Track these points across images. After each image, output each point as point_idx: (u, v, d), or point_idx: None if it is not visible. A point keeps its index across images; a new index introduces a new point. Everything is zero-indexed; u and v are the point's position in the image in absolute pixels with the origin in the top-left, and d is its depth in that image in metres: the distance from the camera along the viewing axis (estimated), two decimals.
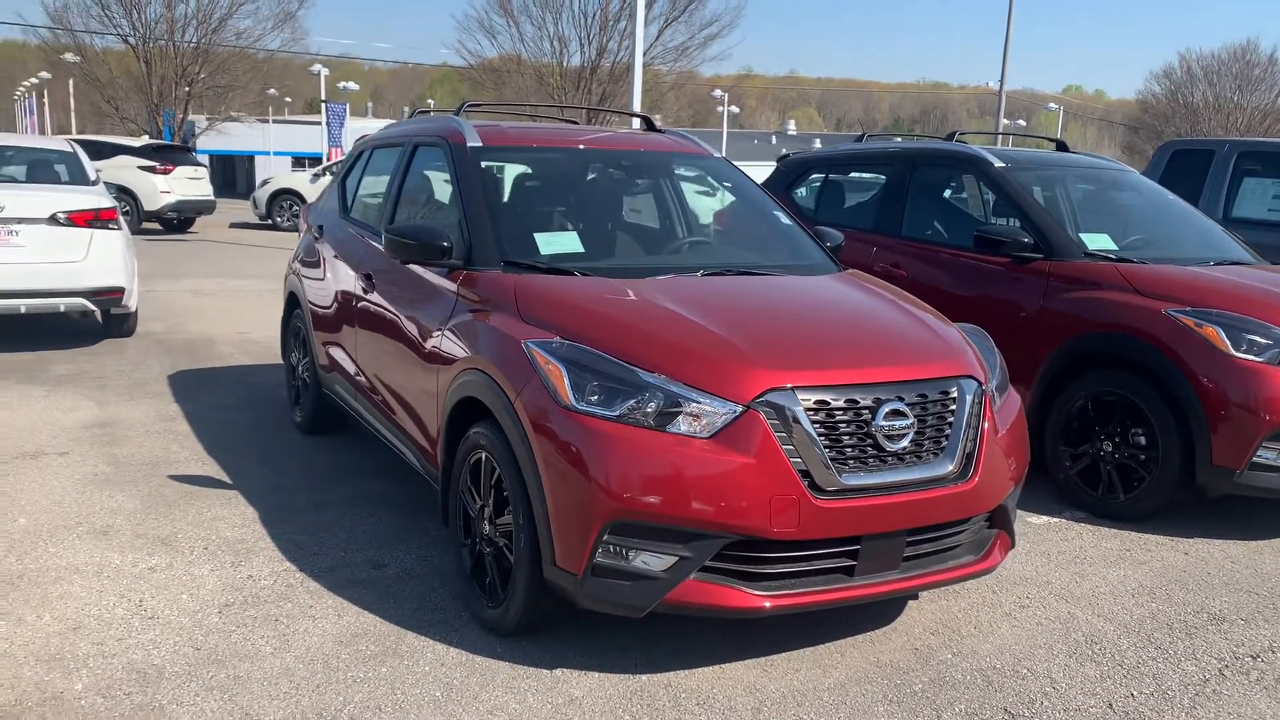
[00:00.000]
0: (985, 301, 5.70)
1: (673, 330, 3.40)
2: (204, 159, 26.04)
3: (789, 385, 3.15)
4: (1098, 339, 5.16)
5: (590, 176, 4.78)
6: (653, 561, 3.10)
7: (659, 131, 5.30)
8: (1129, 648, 3.66)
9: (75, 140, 21.48)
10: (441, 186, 4.69)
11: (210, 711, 3.02)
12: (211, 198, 21.83)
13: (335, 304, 5.27)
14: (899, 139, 8.76)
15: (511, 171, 4.69)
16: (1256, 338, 4.73)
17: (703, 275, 4.03)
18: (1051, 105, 67.30)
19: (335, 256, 5.36)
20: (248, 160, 48.39)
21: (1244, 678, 3.48)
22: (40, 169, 9.10)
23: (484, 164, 4.37)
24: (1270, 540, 4.84)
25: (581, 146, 4.84)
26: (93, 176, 8.73)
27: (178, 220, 21.10)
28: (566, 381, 3.21)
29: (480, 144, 4.42)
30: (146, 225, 20.30)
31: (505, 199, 4.45)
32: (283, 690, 3.15)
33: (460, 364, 3.72)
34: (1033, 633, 3.76)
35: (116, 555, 4.13)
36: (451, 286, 3.98)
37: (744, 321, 3.54)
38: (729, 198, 5.11)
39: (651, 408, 3.12)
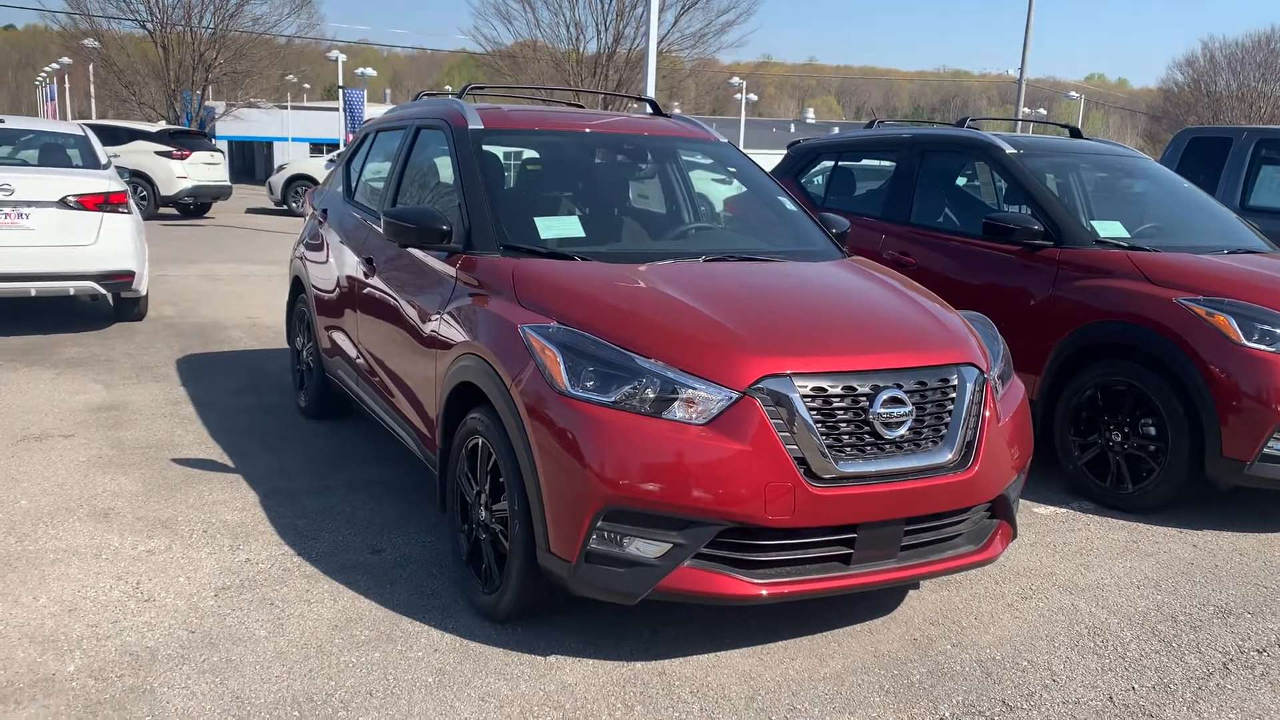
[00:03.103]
0: (994, 289, 5.64)
1: (670, 316, 3.36)
2: (221, 145, 26.14)
3: (786, 372, 3.11)
4: (1107, 328, 5.08)
5: (593, 160, 4.74)
6: (646, 548, 3.07)
7: (665, 115, 5.25)
8: (1132, 640, 3.61)
9: (92, 125, 21.60)
10: (443, 169, 4.66)
11: (201, 694, 3.01)
12: (227, 183, 21.89)
13: (338, 288, 5.25)
14: (910, 125, 8.66)
15: (513, 155, 4.65)
16: (1269, 328, 4.65)
17: (704, 261, 3.99)
18: (1073, 94, 66.56)
19: (339, 241, 5.34)
20: (266, 146, 48.56)
21: (1249, 672, 3.43)
22: (52, 153, 9.12)
23: (485, 147, 4.33)
24: None
25: (585, 130, 4.79)
26: (104, 160, 8.74)
27: (194, 205, 21.17)
28: (562, 367, 3.17)
29: (481, 126, 4.39)
30: (163, 210, 20.39)
31: (505, 182, 4.41)
32: (275, 674, 3.14)
33: (457, 349, 3.70)
34: (1034, 624, 3.71)
35: (116, 538, 4.13)
36: (450, 270, 3.95)
37: (742, 307, 3.49)
38: (740, 186, 5.06)
39: (647, 394, 3.09)
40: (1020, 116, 31.44)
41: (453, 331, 3.78)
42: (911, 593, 3.89)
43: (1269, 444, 4.59)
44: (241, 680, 3.09)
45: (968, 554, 3.44)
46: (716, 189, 5.71)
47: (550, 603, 3.44)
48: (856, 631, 3.58)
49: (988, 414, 3.40)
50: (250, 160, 51.68)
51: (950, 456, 3.28)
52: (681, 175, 4.96)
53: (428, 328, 4.01)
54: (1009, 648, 3.53)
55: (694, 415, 3.07)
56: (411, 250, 4.26)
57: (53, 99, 56.81)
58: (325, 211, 5.72)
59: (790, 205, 4.73)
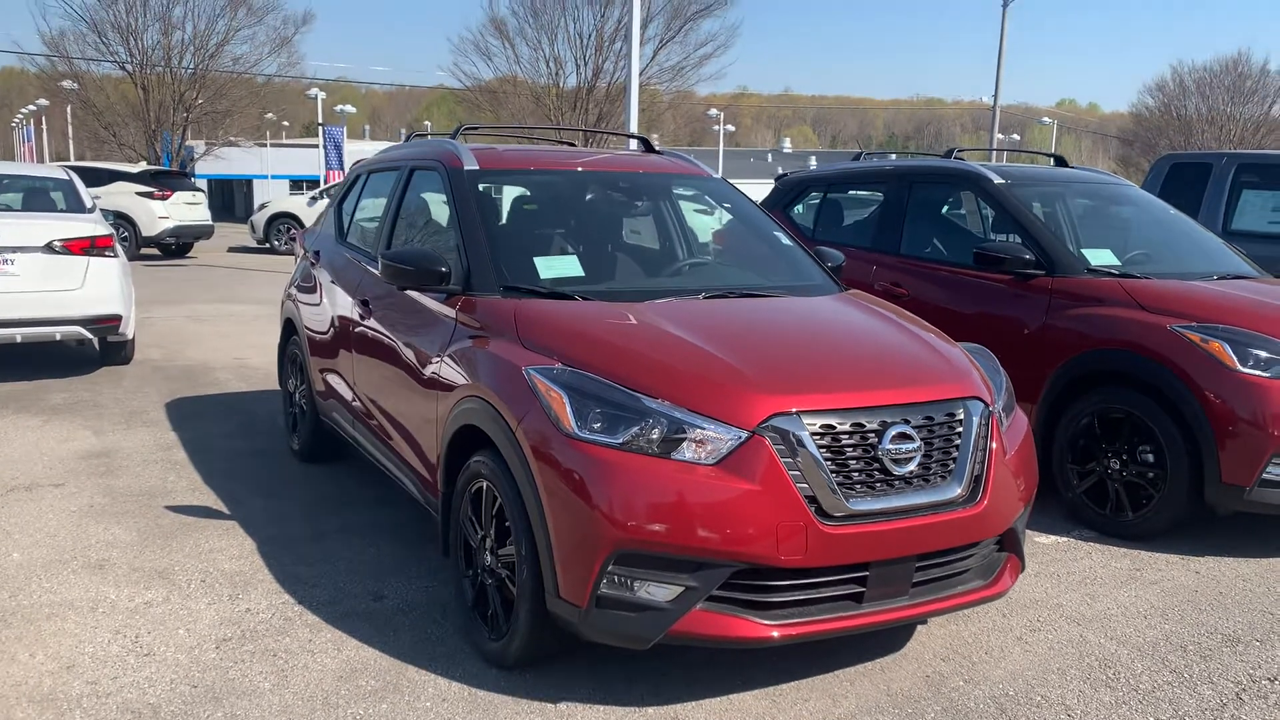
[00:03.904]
0: (987, 319, 5.66)
1: (676, 355, 3.35)
2: (202, 184, 26.06)
3: (794, 410, 3.10)
4: (1103, 356, 5.11)
5: (588, 199, 4.74)
6: (658, 592, 3.04)
7: (657, 153, 5.27)
8: (1144, 672, 3.60)
9: (73, 167, 21.51)
10: (438, 210, 4.64)
11: None
12: (209, 222, 21.84)
13: (332, 330, 5.22)
14: (894, 156, 8.72)
15: (509, 195, 4.65)
16: (1263, 353, 4.68)
17: (704, 298, 3.98)
18: (1045, 119, 67.34)
19: (332, 282, 5.31)
20: (245, 184, 48.50)
21: (1262, 701, 3.41)
22: (37, 197, 9.08)
23: (481, 187, 4.33)
24: None
25: (579, 169, 4.80)
26: (89, 204, 8.70)
27: (176, 245, 21.10)
28: (569, 408, 3.15)
29: (477, 167, 4.38)
30: (145, 251, 20.29)
31: (503, 222, 4.40)
32: None
33: (460, 391, 3.67)
34: (1045, 657, 3.69)
35: (112, 589, 4.06)
36: (450, 312, 3.93)
37: (747, 345, 3.49)
38: (726, 216, 5.07)
39: (655, 434, 3.07)
40: (995, 145, 31.77)
41: (454, 374, 3.75)
42: (921, 628, 3.87)
43: (1267, 469, 4.60)
44: None
45: (978, 589, 3.42)
46: (700, 220, 5.71)
47: (559, 648, 3.39)
48: (869, 670, 3.55)
49: (994, 447, 3.40)
50: (230, 198, 51.59)
51: (959, 491, 3.26)
52: (676, 212, 4.96)
53: (427, 370, 3.98)
54: (1022, 682, 3.50)
55: (703, 455, 3.05)
56: (409, 292, 4.24)
57: (29, 140, 56.61)
58: (317, 253, 5.69)
59: (785, 240, 4.74)
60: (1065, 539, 4.96)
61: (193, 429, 6.64)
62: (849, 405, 3.17)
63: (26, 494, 5.22)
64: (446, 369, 3.81)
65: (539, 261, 4.05)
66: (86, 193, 8.90)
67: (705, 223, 5.76)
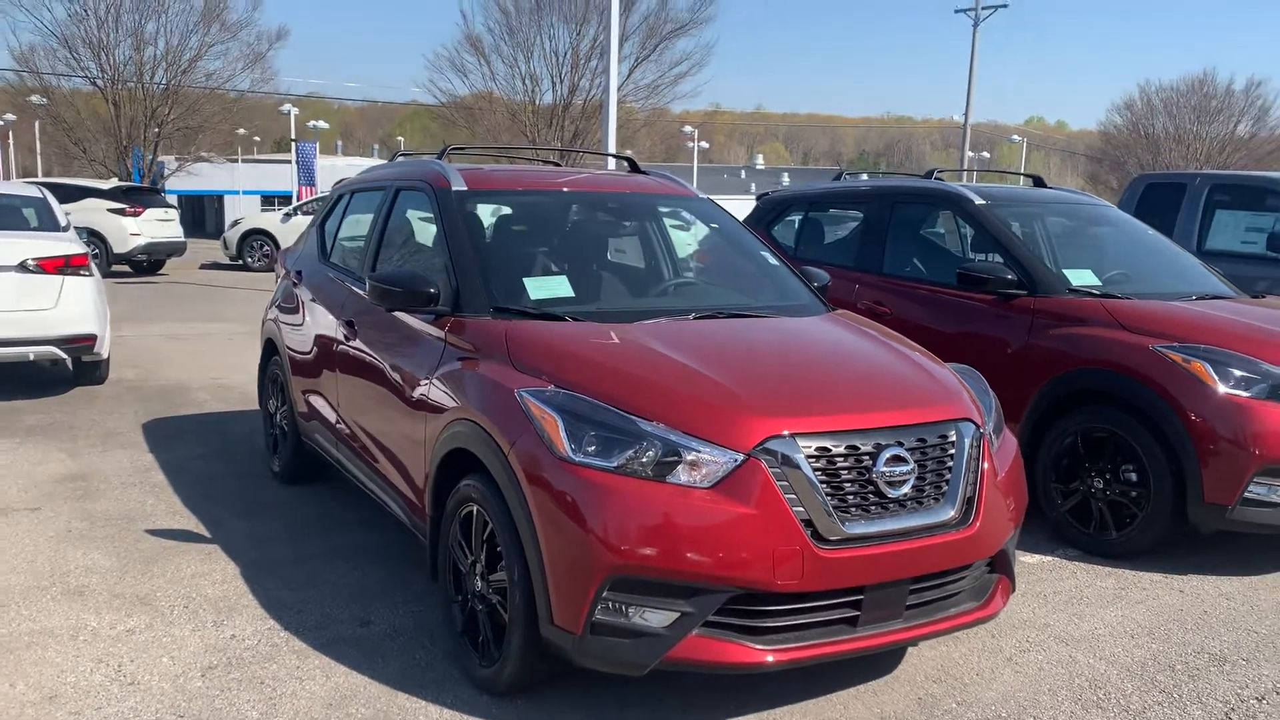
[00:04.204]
0: (970, 338, 5.69)
1: (670, 377, 3.34)
2: (173, 200, 25.80)
3: (788, 432, 3.09)
4: (1085, 375, 5.15)
5: (577, 219, 4.73)
6: (654, 618, 3.02)
7: (643, 173, 5.27)
8: (1133, 692, 3.61)
9: (43, 183, 21.25)
10: (424, 231, 4.62)
11: None
12: (182, 239, 21.62)
13: (315, 351, 5.17)
14: (870, 177, 8.74)
15: (498, 216, 4.63)
16: (1243, 373, 4.73)
17: (694, 318, 3.98)
18: (1015, 137, 68.01)
19: (314, 302, 5.27)
20: (217, 200, 48.11)
21: None
22: (9, 215, 8.93)
23: (469, 208, 4.31)
24: (1265, 576, 4.82)
25: (567, 189, 4.79)
26: (63, 222, 8.60)
27: (148, 262, 20.86)
28: (562, 431, 3.13)
29: (465, 188, 4.36)
30: (116, 268, 20.07)
31: (492, 243, 4.38)
32: None
33: (450, 414, 3.64)
34: (1035, 678, 3.70)
35: (93, 617, 3.99)
36: (439, 334, 3.90)
37: (740, 366, 3.48)
38: (703, 231, 5.06)
39: (650, 457, 3.05)
40: (966, 163, 32.06)
41: (443, 396, 3.72)
42: (911, 649, 3.86)
43: (1249, 488, 4.65)
44: None
45: (971, 611, 3.42)
46: (677, 235, 5.68)
47: (552, 673, 3.36)
48: (861, 693, 3.54)
49: (986, 468, 3.41)
50: (201, 214, 51.12)
51: (952, 514, 3.27)
52: (663, 232, 4.97)
53: (415, 392, 3.95)
54: (1013, 704, 3.50)
55: (699, 479, 3.04)
56: (396, 313, 4.21)
57: None
58: (299, 273, 5.64)
59: (772, 260, 4.75)
60: (1050, 558, 4.98)
61: (171, 450, 6.55)
62: (843, 427, 3.17)
63: (2, 518, 5.12)
64: (435, 391, 3.78)
65: (529, 282, 4.04)
66: (60, 210, 8.80)
67: (681, 238, 5.74)
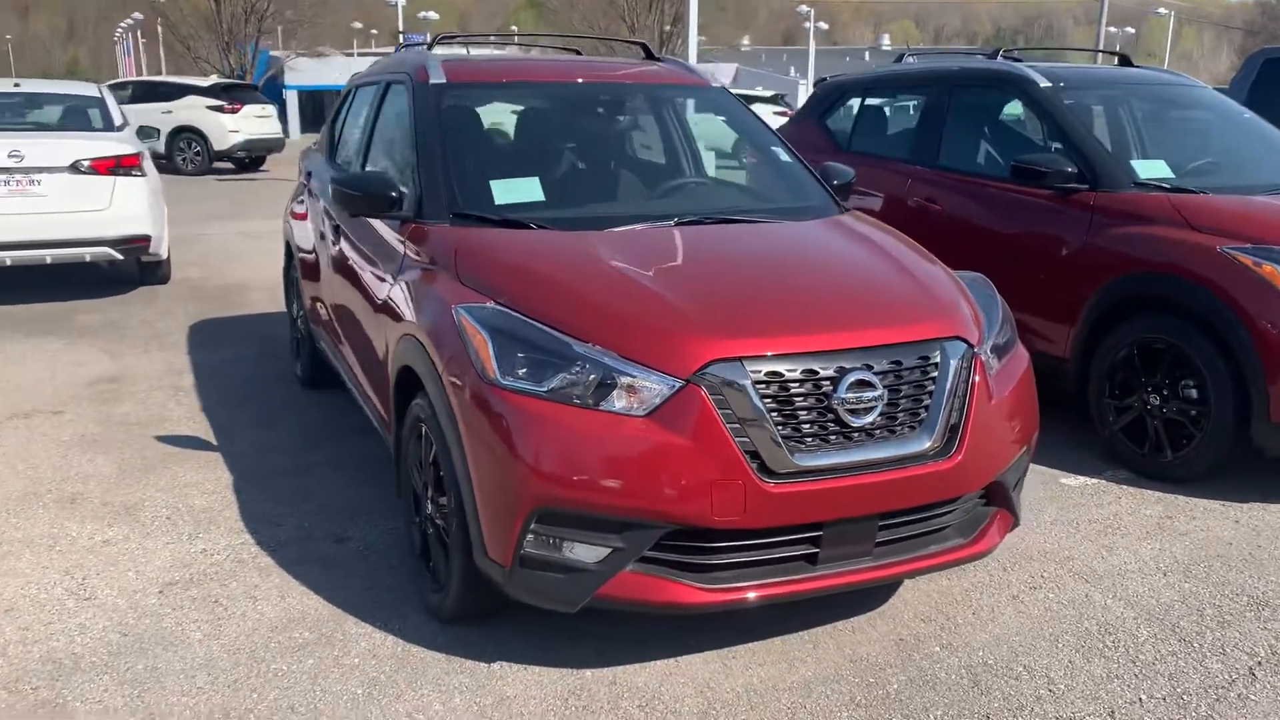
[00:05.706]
0: (1024, 238, 5.18)
1: (617, 294, 3.04)
2: (289, 95, 25.80)
3: (736, 356, 2.77)
4: (1145, 279, 4.62)
5: (567, 113, 4.38)
6: (584, 553, 2.80)
7: (656, 60, 4.85)
8: (1147, 640, 3.24)
9: (144, 82, 21.74)
10: (407, 128, 4.35)
11: (114, 709, 2.84)
12: (280, 135, 21.89)
13: (315, 255, 5.02)
14: (941, 56, 7.96)
15: (476, 110, 4.31)
16: None
17: (675, 224, 3.63)
18: (1161, 10, 63.08)
19: (317, 203, 5.09)
20: (335, 95, 48.56)
21: (1278, 679, 3.04)
22: (68, 115, 9.03)
23: (447, 103, 4.01)
24: None
25: (560, 80, 4.43)
26: (118, 122, 8.61)
27: (248, 159, 21.22)
28: (491, 352, 2.88)
29: (444, 80, 4.06)
30: (217, 165, 20.48)
31: (464, 141, 4.07)
32: (197, 685, 2.95)
33: (401, 327, 3.42)
34: (1039, 620, 3.36)
35: (75, 526, 3.99)
36: (401, 241, 3.66)
37: (699, 281, 3.16)
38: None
39: (585, 383, 2.78)
40: (1102, 43, 29.83)
41: (399, 308, 3.50)
42: (909, 583, 3.55)
43: None
44: (160, 693, 2.91)
45: (957, 548, 3.10)
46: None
47: (497, 604, 3.17)
48: (837, 630, 3.27)
49: (976, 393, 3.02)
50: (320, 110, 51.69)
51: (930, 444, 2.92)
52: (669, 127, 4.58)
53: (379, 302, 3.74)
54: (1005, 649, 3.18)
55: (635, 406, 2.77)
56: (369, 219, 3.98)
57: (129, 54, 57.65)
58: (309, 174, 5.47)
59: (785, 156, 4.33)
60: (1097, 480, 4.56)
61: (210, 352, 6.58)
62: (801, 349, 2.83)
63: (24, 422, 5.20)
64: (392, 302, 3.57)
65: (495, 185, 3.74)
66: (118, 110, 8.82)
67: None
